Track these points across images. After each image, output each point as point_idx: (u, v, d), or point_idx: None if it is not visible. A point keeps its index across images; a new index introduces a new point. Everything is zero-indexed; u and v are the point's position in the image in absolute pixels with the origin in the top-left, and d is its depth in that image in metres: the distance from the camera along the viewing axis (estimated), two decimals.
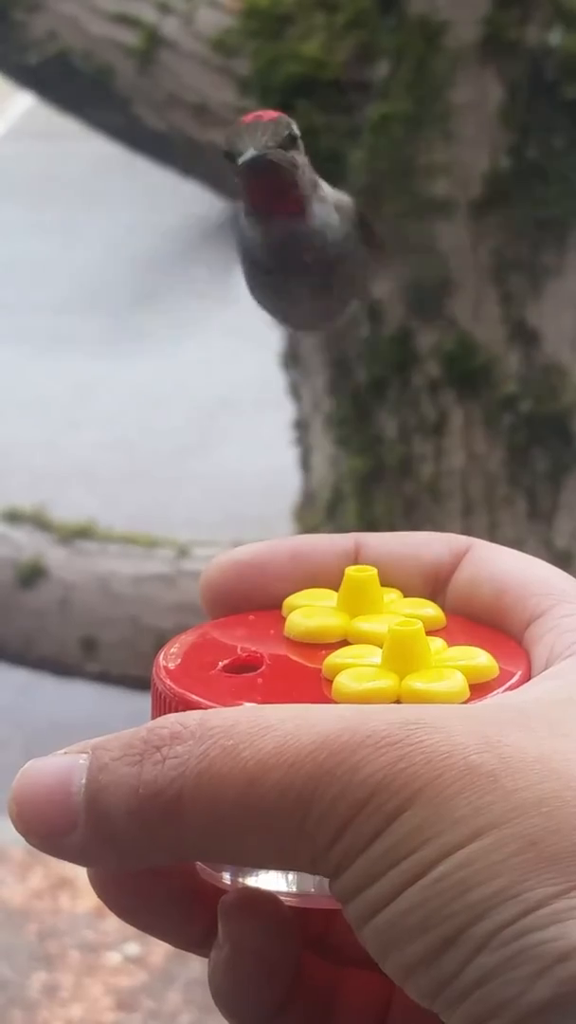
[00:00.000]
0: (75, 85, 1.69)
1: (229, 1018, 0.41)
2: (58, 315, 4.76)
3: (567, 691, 0.39)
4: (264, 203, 0.84)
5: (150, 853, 0.37)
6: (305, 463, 1.85)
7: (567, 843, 0.34)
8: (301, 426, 1.84)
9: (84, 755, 0.38)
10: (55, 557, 1.89)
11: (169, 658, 0.42)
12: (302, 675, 0.41)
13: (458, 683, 0.40)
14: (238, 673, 0.41)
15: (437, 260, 1.63)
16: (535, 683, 0.40)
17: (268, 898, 0.40)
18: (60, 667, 1.91)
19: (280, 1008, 0.41)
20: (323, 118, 1.63)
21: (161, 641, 0.44)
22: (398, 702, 0.40)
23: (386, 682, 0.40)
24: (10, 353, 4.63)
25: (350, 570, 0.43)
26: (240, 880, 0.40)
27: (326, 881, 0.36)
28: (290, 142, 0.83)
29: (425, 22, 1.60)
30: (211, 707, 0.39)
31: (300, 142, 0.85)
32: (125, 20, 1.66)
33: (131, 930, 0.44)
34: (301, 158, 0.85)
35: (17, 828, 0.38)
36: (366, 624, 0.42)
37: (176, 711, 0.39)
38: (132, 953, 2.56)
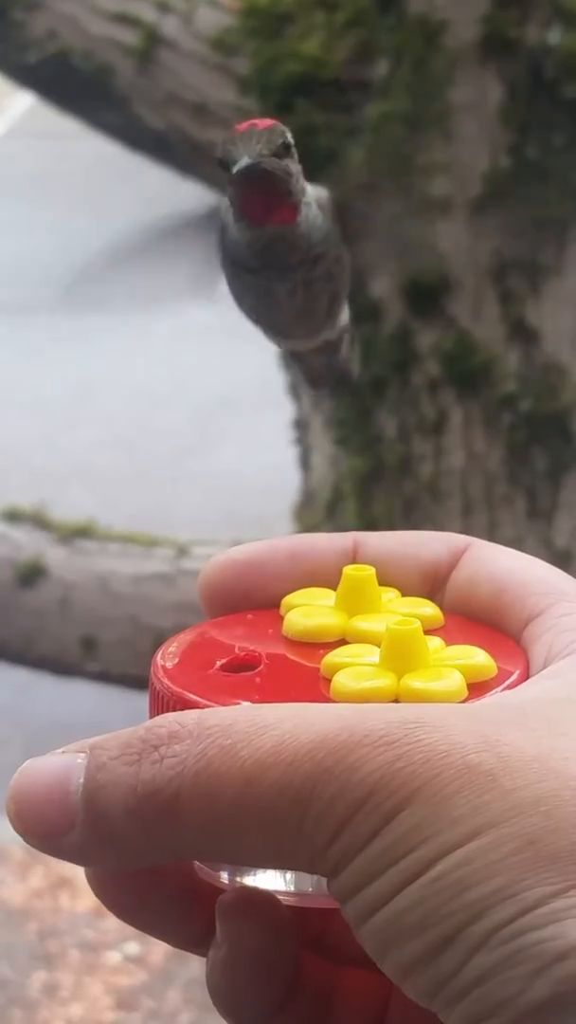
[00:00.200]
0: (75, 84, 1.69)
1: (227, 1017, 0.41)
2: (58, 314, 4.76)
3: (565, 690, 0.39)
4: (258, 211, 0.84)
5: (148, 852, 0.37)
6: (305, 463, 1.85)
7: (566, 842, 0.34)
8: (301, 426, 1.84)
9: (82, 754, 0.38)
10: (55, 556, 1.89)
11: (167, 657, 0.42)
12: (300, 674, 0.41)
13: (456, 682, 0.40)
14: (236, 672, 0.41)
15: (436, 259, 1.63)
16: (533, 682, 0.40)
17: (266, 897, 0.40)
18: (60, 666, 1.92)
19: (278, 1007, 0.41)
20: (322, 117, 1.63)
21: (160, 640, 0.44)
22: (396, 701, 0.40)
23: (384, 681, 0.40)
24: (10, 352, 4.63)
25: (348, 569, 0.43)
26: (238, 879, 0.40)
27: (324, 880, 0.36)
28: (284, 150, 0.83)
29: (424, 21, 1.60)
30: (209, 706, 0.39)
31: (294, 150, 0.86)
32: (125, 19, 1.66)
33: (131, 929, 0.44)
34: (295, 166, 0.86)
35: (15, 827, 0.38)
36: (364, 623, 0.42)
37: (174, 710, 0.39)
38: (132, 952, 2.56)
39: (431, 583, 0.44)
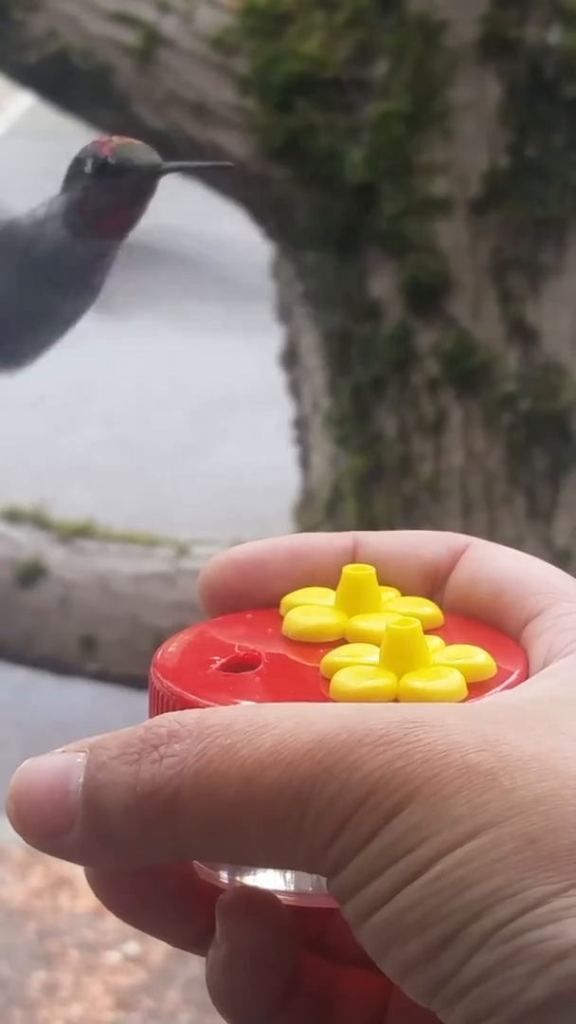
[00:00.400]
0: (74, 84, 1.69)
1: (227, 1017, 0.41)
2: None
3: (565, 689, 0.39)
4: (118, 220, 0.82)
5: (148, 852, 0.37)
6: (304, 462, 1.85)
7: (565, 841, 0.34)
8: (300, 425, 1.84)
9: (82, 754, 0.37)
10: (55, 556, 1.89)
11: (167, 657, 0.42)
12: (300, 674, 0.41)
13: (456, 682, 0.40)
14: (236, 672, 0.41)
15: (436, 259, 1.63)
16: (533, 682, 0.40)
17: (266, 897, 0.40)
18: (59, 666, 1.92)
19: (278, 1007, 0.41)
20: (322, 116, 1.63)
21: (160, 640, 0.44)
22: (396, 701, 0.40)
23: (384, 681, 0.40)
24: None
25: (348, 569, 0.43)
26: (238, 879, 0.40)
27: (324, 880, 0.36)
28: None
29: (424, 21, 1.60)
30: (209, 706, 0.39)
31: None
32: (124, 19, 1.66)
33: (131, 929, 0.44)
34: None
35: (15, 827, 0.38)
36: (364, 623, 0.42)
37: (174, 710, 0.39)
38: (132, 952, 2.56)
39: (431, 583, 0.44)
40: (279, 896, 0.40)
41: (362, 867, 0.35)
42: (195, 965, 2.45)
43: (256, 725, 0.36)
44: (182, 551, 1.88)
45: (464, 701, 0.40)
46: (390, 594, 0.44)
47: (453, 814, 0.35)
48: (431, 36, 1.60)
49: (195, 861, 0.41)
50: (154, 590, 1.86)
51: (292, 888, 0.40)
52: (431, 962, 0.35)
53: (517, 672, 0.41)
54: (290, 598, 0.44)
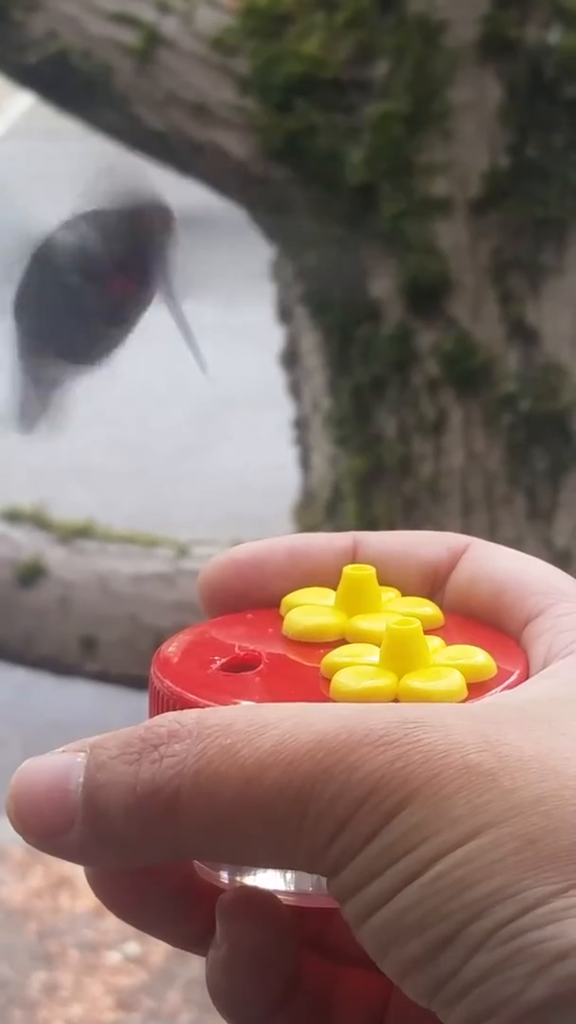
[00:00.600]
0: (74, 84, 1.69)
1: (227, 1017, 0.41)
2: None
3: (565, 690, 0.39)
4: (127, 293, 0.81)
5: (147, 851, 0.37)
6: (304, 462, 1.85)
7: (566, 842, 0.34)
8: (300, 425, 1.84)
9: (82, 753, 0.37)
10: (55, 556, 1.89)
11: (167, 656, 0.42)
12: (300, 674, 0.41)
13: (456, 682, 0.40)
14: (236, 672, 0.41)
15: (436, 259, 1.63)
16: (533, 682, 0.40)
17: (266, 897, 0.40)
18: (59, 666, 1.92)
19: (278, 1007, 0.41)
20: (322, 117, 1.63)
21: (160, 640, 0.44)
22: (396, 701, 0.40)
23: (384, 681, 0.40)
24: (9, 351, 4.62)
25: (348, 569, 0.43)
26: (238, 879, 0.40)
27: (324, 880, 0.36)
28: None
29: (424, 21, 1.60)
30: (209, 706, 0.39)
31: None
32: (124, 19, 1.66)
33: (131, 929, 0.44)
34: None
35: (15, 827, 0.38)
36: (364, 623, 0.42)
37: (174, 709, 0.39)
38: (132, 952, 2.56)
39: (431, 583, 0.44)
40: (279, 896, 0.40)
41: (362, 867, 0.35)
42: (195, 965, 2.45)
43: (256, 725, 0.36)
44: (182, 551, 1.88)
45: (464, 701, 0.40)
46: (390, 594, 0.44)
47: (453, 814, 0.35)
48: (431, 36, 1.60)
49: (195, 861, 0.41)
50: (154, 590, 1.86)
51: (292, 888, 0.40)
52: (431, 962, 0.35)
53: (517, 672, 0.41)
54: (290, 598, 0.44)
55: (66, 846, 0.37)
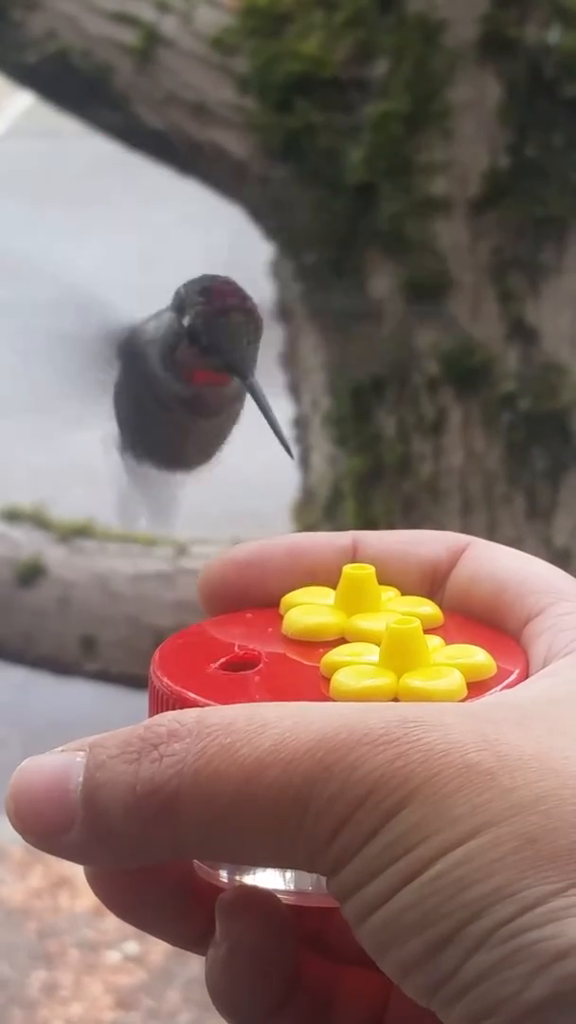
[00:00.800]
0: (74, 84, 1.69)
1: (227, 1016, 0.41)
2: (58, 313, 4.75)
3: (565, 689, 0.39)
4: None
5: (147, 851, 0.37)
6: (304, 461, 1.85)
7: (565, 841, 0.34)
8: (300, 424, 1.84)
9: (81, 753, 0.37)
10: (54, 556, 1.89)
11: (167, 656, 0.42)
12: (300, 673, 0.41)
13: (456, 681, 0.40)
14: (236, 671, 0.41)
15: (436, 258, 1.63)
16: (533, 681, 0.40)
17: (266, 896, 0.40)
18: (59, 665, 1.92)
19: (278, 1006, 0.41)
20: (322, 116, 1.63)
21: (160, 639, 0.44)
22: (396, 700, 0.40)
23: (384, 680, 0.40)
24: (9, 350, 4.62)
25: (348, 568, 0.43)
26: (238, 878, 0.40)
27: (324, 879, 0.36)
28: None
29: (424, 20, 1.60)
30: (208, 705, 0.39)
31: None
32: (124, 19, 1.66)
33: (130, 929, 0.44)
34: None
35: (14, 826, 0.38)
36: (364, 622, 0.42)
37: (173, 709, 0.39)
38: (132, 952, 2.56)
39: (430, 582, 0.44)
40: (279, 895, 0.40)
41: (362, 866, 0.35)
42: (195, 965, 2.45)
43: (256, 724, 0.36)
44: (181, 551, 1.88)
45: (464, 700, 0.40)
46: (390, 593, 0.44)
47: (453, 813, 0.35)
48: (431, 36, 1.60)
49: (195, 860, 0.41)
50: (154, 590, 1.86)
51: (292, 887, 0.40)
52: (431, 961, 0.35)
53: (517, 671, 0.41)
54: (290, 597, 0.44)
55: (66, 845, 0.37)
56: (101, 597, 1.86)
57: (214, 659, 0.42)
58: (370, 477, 1.70)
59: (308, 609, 0.43)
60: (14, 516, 1.93)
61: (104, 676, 1.88)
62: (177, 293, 0.75)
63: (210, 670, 0.41)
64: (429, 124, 1.61)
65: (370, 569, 0.43)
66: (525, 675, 0.41)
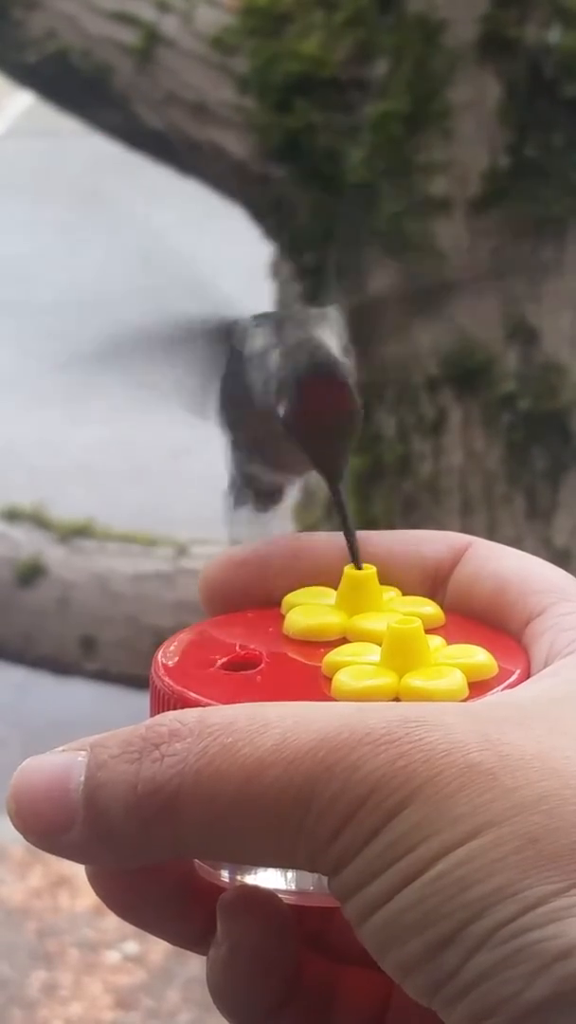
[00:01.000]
0: (74, 83, 1.69)
1: (227, 1016, 0.41)
2: (58, 312, 4.75)
3: (566, 689, 0.38)
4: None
5: (148, 850, 0.37)
6: None
7: (566, 841, 0.34)
8: None
9: (82, 752, 0.37)
10: (54, 556, 1.89)
11: (168, 656, 0.42)
12: (301, 673, 0.41)
13: (457, 681, 0.40)
14: (237, 671, 0.41)
15: (436, 258, 1.63)
16: (534, 681, 0.40)
17: (267, 896, 0.40)
18: (59, 665, 1.92)
19: (279, 1006, 0.41)
20: (322, 116, 1.63)
21: (160, 639, 0.44)
22: (397, 700, 0.40)
23: (385, 680, 0.40)
24: (9, 350, 4.63)
25: (349, 568, 0.43)
26: (239, 878, 0.40)
27: (325, 879, 0.36)
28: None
29: (423, 20, 1.60)
30: (210, 705, 0.39)
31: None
32: (124, 18, 1.66)
33: (130, 928, 0.44)
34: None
35: (15, 825, 0.38)
36: (365, 622, 0.42)
37: (175, 709, 0.39)
38: (131, 951, 2.56)
39: (432, 582, 0.44)
40: (280, 895, 0.40)
41: (363, 866, 0.35)
42: (195, 964, 2.45)
43: (257, 724, 0.36)
44: (182, 551, 1.88)
45: (465, 700, 0.40)
46: (391, 593, 0.44)
47: (454, 813, 0.35)
48: (430, 36, 1.60)
49: (196, 860, 0.41)
50: (154, 590, 1.86)
51: (293, 887, 0.40)
52: (432, 961, 0.35)
53: (518, 671, 0.41)
54: (291, 597, 0.44)
55: (67, 845, 0.37)
56: (101, 597, 1.86)
57: (216, 659, 0.42)
58: (370, 477, 1.70)
59: (309, 609, 0.43)
60: (14, 516, 1.93)
61: (104, 676, 1.88)
62: (283, 341, 0.68)
63: (211, 670, 0.41)
64: (429, 124, 1.61)
65: (371, 569, 0.43)
66: (526, 675, 0.41)
